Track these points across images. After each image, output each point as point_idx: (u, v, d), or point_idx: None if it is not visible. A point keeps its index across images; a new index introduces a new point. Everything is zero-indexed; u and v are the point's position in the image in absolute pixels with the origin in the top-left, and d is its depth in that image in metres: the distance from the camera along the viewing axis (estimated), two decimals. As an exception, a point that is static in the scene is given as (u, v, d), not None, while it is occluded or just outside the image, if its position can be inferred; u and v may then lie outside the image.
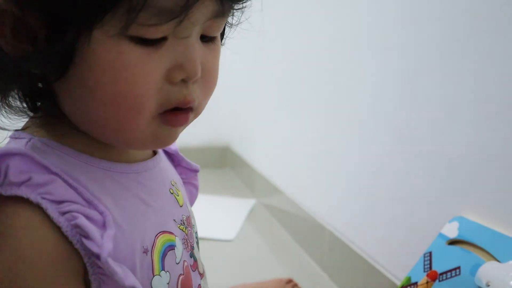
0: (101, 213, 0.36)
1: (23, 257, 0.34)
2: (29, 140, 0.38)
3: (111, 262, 0.35)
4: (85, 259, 0.35)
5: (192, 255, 0.46)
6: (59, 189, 0.36)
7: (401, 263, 0.77)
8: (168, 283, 0.41)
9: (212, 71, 0.40)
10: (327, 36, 1.06)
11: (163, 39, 0.35)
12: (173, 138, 0.40)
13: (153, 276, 0.40)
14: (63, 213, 0.35)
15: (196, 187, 0.56)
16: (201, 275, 0.49)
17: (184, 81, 0.37)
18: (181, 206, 0.47)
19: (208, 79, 0.40)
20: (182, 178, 0.54)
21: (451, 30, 0.68)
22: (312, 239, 1.11)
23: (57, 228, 0.35)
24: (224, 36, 0.45)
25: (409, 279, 0.68)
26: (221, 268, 1.03)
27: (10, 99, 0.39)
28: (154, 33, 0.34)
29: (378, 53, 0.86)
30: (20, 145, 0.38)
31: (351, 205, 0.96)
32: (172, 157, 0.54)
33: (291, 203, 1.22)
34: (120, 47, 0.34)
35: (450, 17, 0.69)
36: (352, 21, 0.95)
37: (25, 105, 0.40)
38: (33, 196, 0.35)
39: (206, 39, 0.39)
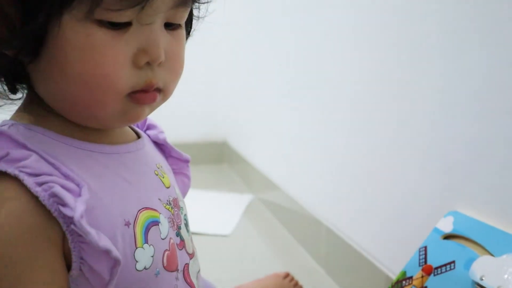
0: (77, 185, 0.38)
1: (0, 227, 0.35)
2: (11, 125, 0.40)
3: (84, 222, 0.36)
4: (64, 227, 0.37)
5: (178, 234, 0.48)
6: (37, 164, 0.37)
7: (397, 257, 0.77)
8: (152, 256, 0.42)
9: (177, 56, 0.43)
10: (323, 32, 1.06)
11: (128, 24, 0.38)
12: (141, 115, 0.43)
13: (136, 248, 0.41)
14: (40, 184, 0.36)
15: (188, 177, 0.57)
16: (190, 255, 0.50)
17: (149, 64, 0.40)
18: (167, 188, 0.48)
19: (173, 63, 0.43)
20: (173, 169, 0.55)
21: (449, 25, 0.68)
22: (309, 234, 1.11)
23: (35, 198, 0.36)
24: (192, 29, 0.48)
25: (404, 273, 0.69)
26: (218, 263, 1.03)
27: None
28: (118, 17, 0.37)
29: (375, 48, 0.86)
30: None
31: (348, 200, 0.96)
32: (162, 148, 0.55)
33: (288, 199, 1.23)
34: (88, 30, 0.37)
35: (449, 10, 0.69)
36: (348, 15, 0.95)
37: (4, 88, 0.42)
38: (11, 170, 0.36)
39: (172, 27, 0.42)
